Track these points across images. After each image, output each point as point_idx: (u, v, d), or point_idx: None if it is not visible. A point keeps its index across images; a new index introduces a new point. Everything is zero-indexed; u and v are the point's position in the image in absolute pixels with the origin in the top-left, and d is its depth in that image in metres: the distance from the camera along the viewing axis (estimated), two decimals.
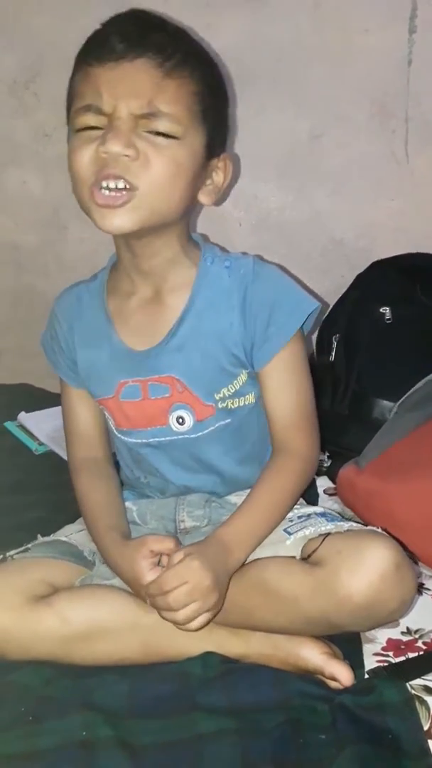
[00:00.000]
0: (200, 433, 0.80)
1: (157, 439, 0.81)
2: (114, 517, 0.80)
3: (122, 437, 0.83)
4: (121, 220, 0.70)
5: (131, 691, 0.69)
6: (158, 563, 0.72)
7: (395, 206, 1.22)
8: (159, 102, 0.68)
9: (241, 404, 0.81)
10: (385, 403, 1.06)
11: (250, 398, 0.81)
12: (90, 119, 0.70)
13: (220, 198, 0.80)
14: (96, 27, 1.21)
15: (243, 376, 0.80)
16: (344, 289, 1.19)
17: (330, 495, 1.01)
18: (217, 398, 0.79)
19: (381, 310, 1.12)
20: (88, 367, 0.83)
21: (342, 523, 0.75)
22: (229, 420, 0.81)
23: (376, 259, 1.19)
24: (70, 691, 0.69)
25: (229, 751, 0.62)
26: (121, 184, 0.68)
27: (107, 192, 0.69)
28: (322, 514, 0.78)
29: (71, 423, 0.87)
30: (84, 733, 0.63)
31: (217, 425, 0.80)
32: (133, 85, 0.68)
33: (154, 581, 0.68)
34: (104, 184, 0.68)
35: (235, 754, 0.62)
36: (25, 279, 1.34)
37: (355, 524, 0.75)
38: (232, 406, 0.80)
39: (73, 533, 0.83)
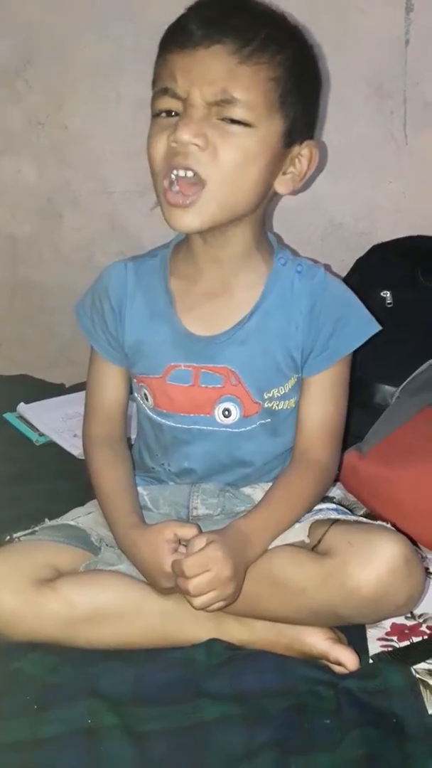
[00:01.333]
0: (243, 429, 0.80)
1: (198, 427, 0.80)
2: (132, 499, 0.80)
3: (158, 418, 0.82)
4: (191, 220, 0.70)
5: (136, 678, 0.69)
6: (176, 550, 0.72)
7: (395, 188, 1.20)
8: (233, 89, 0.68)
9: (284, 407, 0.81)
10: (387, 387, 1.06)
11: (292, 403, 0.81)
12: (166, 102, 0.70)
13: (302, 188, 0.79)
14: (87, 14, 1.20)
15: (293, 380, 0.80)
16: (344, 274, 1.18)
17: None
18: (266, 397, 0.79)
19: (382, 294, 1.11)
20: (137, 344, 0.81)
21: (350, 516, 0.76)
22: (269, 420, 0.81)
23: (376, 243, 1.18)
24: (74, 678, 0.69)
25: (234, 737, 0.62)
26: (189, 174, 0.68)
27: (176, 188, 0.69)
28: (334, 510, 0.78)
29: (96, 397, 0.85)
30: (89, 720, 0.64)
31: (258, 423, 0.80)
32: (207, 72, 0.67)
33: (176, 562, 0.68)
34: (174, 174, 0.69)
35: (241, 739, 0.62)
36: (21, 270, 1.33)
37: (364, 518, 0.76)
38: (277, 408, 0.80)
39: (81, 516, 0.83)
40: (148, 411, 0.83)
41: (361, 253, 1.18)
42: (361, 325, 0.80)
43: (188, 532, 0.72)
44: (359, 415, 1.05)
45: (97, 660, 0.71)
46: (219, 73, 0.67)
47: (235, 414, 0.79)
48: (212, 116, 0.68)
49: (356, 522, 0.74)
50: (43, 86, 1.23)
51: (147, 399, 0.82)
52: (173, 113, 0.70)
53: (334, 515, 0.74)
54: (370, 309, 1.12)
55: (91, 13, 1.17)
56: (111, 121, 1.22)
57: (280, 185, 0.75)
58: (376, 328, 0.81)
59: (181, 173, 0.68)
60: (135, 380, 0.84)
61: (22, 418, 1.18)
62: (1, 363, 1.33)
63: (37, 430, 1.15)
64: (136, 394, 0.85)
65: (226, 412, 0.79)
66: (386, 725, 0.62)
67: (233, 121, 0.69)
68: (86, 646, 0.72)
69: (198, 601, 0.67)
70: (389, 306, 1.12)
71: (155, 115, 0.71)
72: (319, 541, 0.72)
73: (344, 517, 0.73)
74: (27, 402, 1.19)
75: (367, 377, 1.08)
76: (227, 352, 0.78)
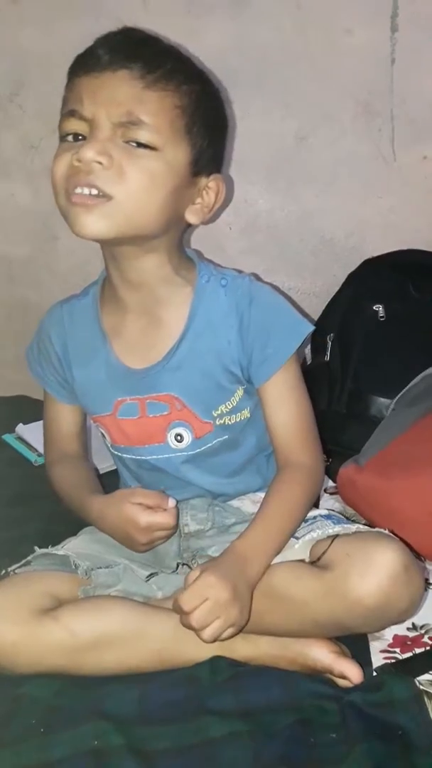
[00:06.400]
0: (198, 450, 0.81)
1: (154, 456, 0.81)
2: (92, 487, 0.82)
3: (119, 454, 0.84)
4: (95, 224, 0.68)
5: (141, 698, 0.69)
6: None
7: (384, 204, 1.22)
8: (139, 111, 0.68)
9: (238, 420, 0.82)
10: (382, 400, 1.07)
11: (246, 413, 0.82)
12: (72, 124, 0.70)
13: (210, 219, 0.79)
14: (79, 39, 1.22)
15: (239, 392, 0.81)
16: (337, 288, 1.20)
17: (331, 494, 1.01)
18: (215, 415, 0.80)
19: (374, 307, 1.13)
20: (84, 385, 0.83)
21: (348, 525, 0.76)
22: (226, 436, 0.81)
23: (366, 257, 1.20)
24: (80, 700, 0.69)
25: (241, 754, 0.62)
26: (93, 192, 0.68)
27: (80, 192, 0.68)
28: (327, 517, 0.79)
29: (52, 432, 0.89)
30: (96, 742, 0.63)
31: (214, 441, 0.81)
32: (114, 93, 0.68)
33: (175, 600, 0.68)
34: (77, 191, 0.68)
35: (248, 756, 0.62)
36: (18, 291, 1.34)
37: (362, 526, 0.76)
38: (229, 422, 0.81)
39: (72, 540, 0.83)
40: (109, 447, 0.85)
41: (352, 267, 1.19)
42: (293, 329, 0.80)
43: (153, 500, 0.74)
44: (355, 428, 1.06)
45: (101, 681, 0.71)
46: (125, 95, 0.68)
47: (187, 437, 0.80)
48: (118, 138, 0.68)
49: (354, 532, 0.74)
50: (36, 110, 1.24)
51: (105, 437, 0.84)
52: (80, 137, 0.70)
53: (331, 530, 0.74)
54: (363, 322, 1.14)
55: (84, 36, 1.17)
56: None
57: (191, 215, 0.76)
58: (308, 328, 0.80)
59: (86, 191, 0.67)
60: (91, 419, 0.85)
61: (20, 438, 1.18)
62: None
63: (36, 450, 1.15)
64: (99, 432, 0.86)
65: (178, 437, 0.80)
66: (392, 737, 0.62)
67: (139, 145, 0.69)
68: (90, 673, 0.72)
69: (206, 634, 0.66)
70: (382, 319, 1.13)
71: (62, 137, 0.71)
72: (319, 558, 0.72)
73: (344, 531, 0.73)
74: (25, 423, 1.20)
75: (362, 390, 1.09)
76: (165, 379, 0.78)
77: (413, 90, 1.16)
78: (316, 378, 1.10)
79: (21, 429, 1.19)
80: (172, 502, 0.75)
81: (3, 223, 1.31)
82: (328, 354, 1.14)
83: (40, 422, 1.20)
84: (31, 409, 1.26)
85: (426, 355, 1.04)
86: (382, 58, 1.16)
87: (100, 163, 0.67)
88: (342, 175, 1.22)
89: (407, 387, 1.01)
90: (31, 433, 1.18)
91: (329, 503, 0.96)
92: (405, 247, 1.20)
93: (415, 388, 1.00)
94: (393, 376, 1.05)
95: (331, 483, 1.05)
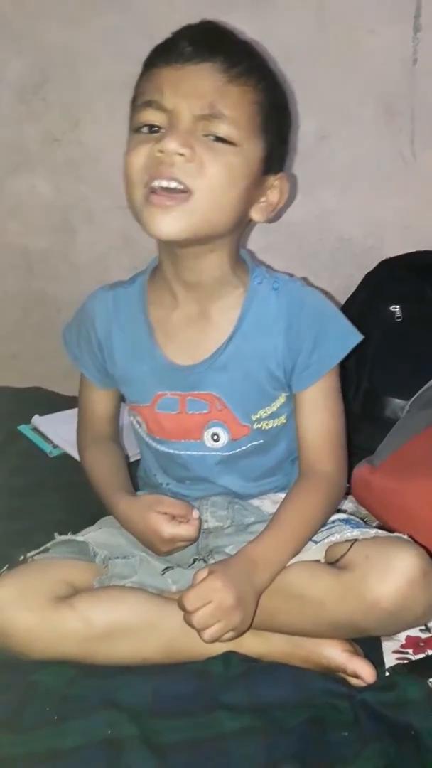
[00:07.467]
0: (233, 451, 0.81)
1: (189, 452, 0.81)
2: (121, 480, 0.83)
3: (153, 443, 0.84)
4: (172, 225, 0.67)
5: (154, 690, 0.69)
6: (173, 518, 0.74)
7: (403, 205, 1.22)
8: (221, 105, 0.67)
9: (275, 425, 0.81)
10: (397, 401, 1.07)
11: (282, 419, 0.82)
12: (150, 115, 0.68)
13: (273, 217, 0.79)
14: (104, 33, 1.22)
15: (281, 399, 0.80)
16: (353, 289, 1.19)
17: (345, 494, 1.02)
18: (254, 419, 0.80)
19: (391, 308, 1.13)
20: (125, 374, 0.82)
21: (367, 529, 0.76)
22: (261, 440, 0.81)
23: (384, 258, 1.19)
24: (93, 690, 0.69)
25: (253, 750, 0.63)
26: (174, 184, 0.66)
27: (161, 192, 0.66)
28: (346, 521, 0.78)
29: (87, 415, 0.89)
30: (109, 731, 0.64)
31: (249, 445, 0.81)
32: (196, 86, 0.67)
33: (180, 598, 0.68)
34: (156, 183, 0.66)
35: (259, 752, 0.62)
36: (36, 283, 1.35)
37: (381, 531, 0.76)
38: (266, 428, 0.81)
39: (91, 531, 0.83)
40: (143, 435, 0.84)
41: (370, 268, 1.19)
42: (342, 338, 0.79)
43: (177, 510, 0.74)
44: (370, 429, 1.06)
45: (114, 672, 0.72)
46: (208, 88, 0.67)
47: (224, 438, 0.80)
48: (198, 131, 0.67)
49: (374, 537, 0.74)
50: (59, 103, 1.24)
51: (141, 425, 0.84)
52: (155, 129, 0.68)
53: (349, 533, 0.74)
54: (379, 323, 1.14)
55: (108, 30, 1.19)
56: (126, 137, 1.24)
57: (256, 212, 0.75)
58: (358, 338, 0.79)
59: (164, 183, 0.66)
60: (128, 408, 0.85)
61: (36, 430, 1.19)
62: (15, 375, 1.34)
63: (51, 442, 1.16)
64: (131, 419, 0.86)
65: (215, 437, 0.80)
66: (404, 737, 0.62)
67: (218, 139, 0.68)
68: (104, 663, 0.72)
69: (206, 635, 0.67)
70: (399, 320, 1.13)
71: (136, 129, 0.70)
72: (337, 561, 0.72)
73: (363, 536, 0.73)
74: (41, 414, 1.20)
75: (377, 391, 1.09)
76: (209, 378, 0.78)
77: None
78: None
79: (37, 420, 1.20)
80: (195, 513, 0.75)
81: (23, 215, 1.31)
82: None
83: (56, 414, 1.22)
84: (48, 400, 1.27)
85: None
86: (404, 58, 1.16)
87: (182, 155, 0.66)
88: (361, 175, 1.21)
89: (423, 389, 1.01)
90: (47, 424, 1.18)
91: (343, 503, 0.97)
92: (423, 249, 1.20)
93: (431, 390, 1.00)
94: (409, 378, 1.04)
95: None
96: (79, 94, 1.24)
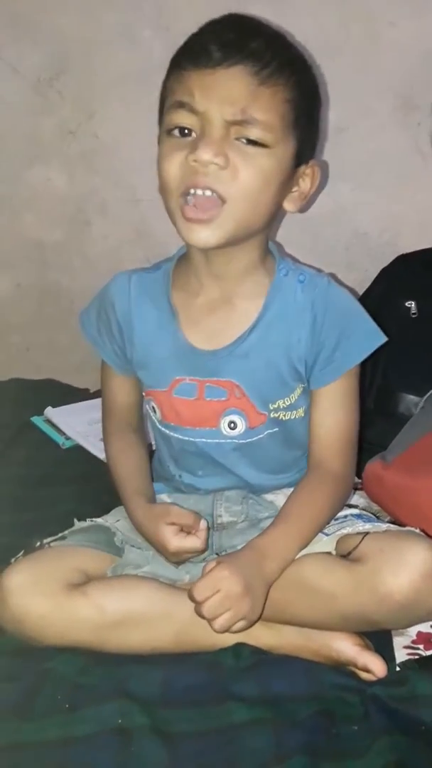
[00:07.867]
0: (249, 440, 0.80)
1: (204, 440, 0.81)
2: (141, 482, 0.83)
3: (166, 431, 0.83)
4: (208, 237, 0.70)
5: (164, 680, 0.70)
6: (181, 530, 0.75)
7: (420, 200, 1.21)
8: (253, 109, 0.68)
9: (293, 417, 0.81)
10: (411, 397, 1.06)
11: (301, 412, 0.81)
12: (181, 116, 0.69)
13: (306, 205, 0.79)
14: (120, 25, 1.22)
15: (299, 390, 0.80)
16: (368, 283, 1.19)
17: (356, 489, 1.01)
18: (272, 408, 0.80)
19: (406, 304, 1.12)
20: (144, 357, 0.82)
21: (379, 523, 0.76)
22: (277, 429, 0.81)
23: (400, 253, 1.19)
24: (104, 679, 0.70)
25: (262, 741, 0.63)
26: (208, 193, 0.68)
27: (194, 205, 0.68)
28: (358, 516, 0.78)
29: (110, 401, 0.89)
30: (120, 720, 0.64)
31: (265, 433, 0.81)
32: (229, 92, 0.67)
33: (189, 589, 0.69)
34: (192, 192, 0.68)
35: (269, 743, 0.62)
36: (50, 276, 1.36)
37: (392, 525, 0.75)
38: (284, 418, 0.80)
39: (109, 519, 0.84)
40: (156, 423, 0.84)
41: (386, 263, 1.18)
42: (366, 337, 0.78)
43: (186, 520, 0.74)
44: (383, 425, 1.05)
45: (125, 661, 0.72)
46: (239, 93, 0.67)
47: (241, 426, 0.80)
48: (231, 136, 0.68)
49: (385, 531, 0.74)
50: (75, 96, 1.25)
51: (155, 412, 0.84)
52: (187, 131, 0.69)
53: (361, 527, 0.74)
54: (394, 318, 1.13)
55: (123, 22, 1.19)
56: (141, 130, 1.22)
57: (289, 203, 0.75)
58: (382, 339, 0.79)
59: (200, 192, 0.68)
60: (144, 393, 0.85)
61: (49, 421, 1.19)
62: (28, 367, 1.35)
63: (64, 433, 1.16)
64: (146, 405, 0.86)
65: (232, 425, 0.80)
66: (415, 732, 0.62)
67: (250, 142, 0.68)
68: (115, 650, 0.73)
69: (216, 624, 0.67)
70: (414, 316, 1.12)
71: (168, 131, 0.70)
72: (349, 554, 0.71)
73: (375, 529, 0.73)
74: (54, 406, 1.21)
75: (391, 387, 1.09)
76: (230, 365, 0.78)
77: None
78: None
79: (49, 412, 1.20)
80: (203, 524, 0.75)
81: (38, 207, 1.32)
82: None
83: (69, 406, 1.22)
84: (60, 392, 1.28)
85: None
86: (424, 52, 1.15)
87: (216, 164, 0.67)
88: (378, 169, 1.21)
89: None
90: (60, 416, 1.19)
91: (354, 498, 0.96)
92: None
93: None
94: (423, 374, 1.04)
95: (356, 479, 1.04)
96: (94, 87, 1.24)
